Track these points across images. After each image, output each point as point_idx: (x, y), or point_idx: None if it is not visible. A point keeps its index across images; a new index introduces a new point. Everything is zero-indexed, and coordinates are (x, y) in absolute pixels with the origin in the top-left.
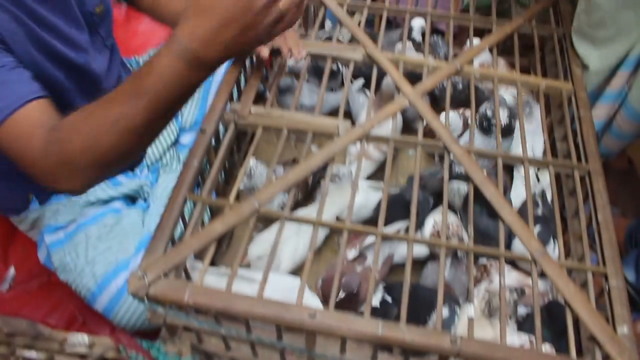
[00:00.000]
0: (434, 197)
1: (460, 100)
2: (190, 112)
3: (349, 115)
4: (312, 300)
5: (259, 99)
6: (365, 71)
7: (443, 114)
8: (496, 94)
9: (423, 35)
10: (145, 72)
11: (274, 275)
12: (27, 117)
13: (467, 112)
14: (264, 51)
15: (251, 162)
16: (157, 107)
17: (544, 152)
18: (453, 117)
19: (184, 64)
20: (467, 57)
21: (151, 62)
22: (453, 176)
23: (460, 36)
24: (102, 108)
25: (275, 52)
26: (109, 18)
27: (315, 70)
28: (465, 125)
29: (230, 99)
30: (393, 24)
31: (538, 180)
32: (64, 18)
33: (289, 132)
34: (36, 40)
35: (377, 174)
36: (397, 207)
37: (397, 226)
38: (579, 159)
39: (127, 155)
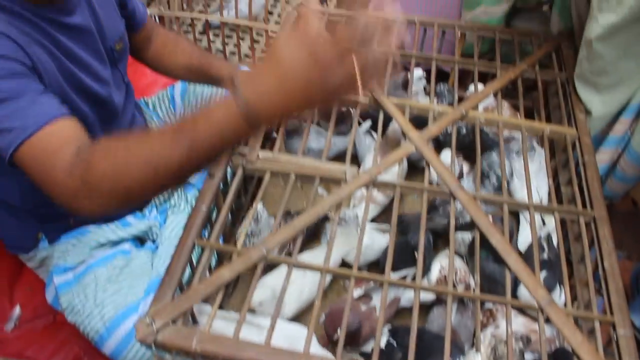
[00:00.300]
0: (434, 236)
1: (463, 144)
2: None
3: (355, 156)
4: (319, 349)
5: (267, 138)
6: (372, 113)
7: (444, 153)
8: (501, 139)
9: (427, 76)
10: (200, 117)
11: (280, 320)
12: (55, 134)
13: (462, 162)
14: None
15: (258, 207)
16: (198, 153)
17: (549, 197)
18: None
19: (242, 119)
20: (472, 102)
21: (209, 109)
22: (458, 227)
23: (464, 78)
24: (140, 141)
25: None
26: (127, 55)
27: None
28: (459, 175)
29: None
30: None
31: (544, 223)
32: (90, 52)
33: (296, 177)
34: (66, 74)
35: (382, 215)
36: (402, 251)
37: (404, 272)
38: (583, 204)
39: (151, 192)
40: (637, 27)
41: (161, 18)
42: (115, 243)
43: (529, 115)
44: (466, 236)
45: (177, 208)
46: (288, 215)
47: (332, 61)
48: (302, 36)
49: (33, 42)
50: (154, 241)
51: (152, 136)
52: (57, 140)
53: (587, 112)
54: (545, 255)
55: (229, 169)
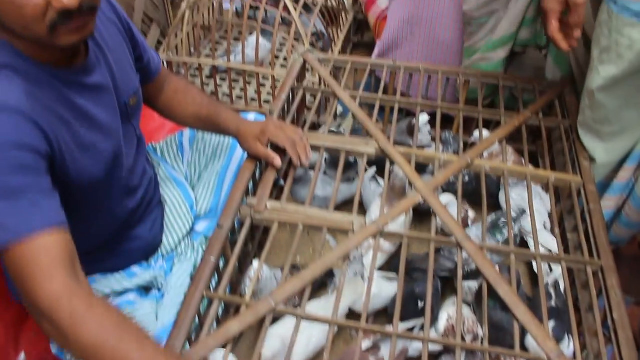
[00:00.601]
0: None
1: (466, 190)
2: (205, 199)
3: (361, 201)
4: None
5: (274, 186)
6: (378, 159)
7: (443, 197)
8: (507, 188)
9: (432, 119)
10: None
11: None
12: (47, 248)
13: (468, 208)
14: (277, 160)
15: (264, 269)
16: None
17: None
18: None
19: None
20: (477, 151)
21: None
22: (465, 275)
23: (468, 122)
24: (128, 341)
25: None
26: (140, 109)
27: (330, 159)
28: (464, 221)
29: (246, 190)
30: (404, 111)
31: (551, 269)
32: (105, 110)
33: (304, 227)
34: (79, 141)
35: (389, 261)
36: (410, 301)
37: (412, 322)
38: (590, 252)
39: None
40: (638, 79)
41: (169, 63)
42: (119, 293)
43: (533, 159)
44: (472, 284)
45: (184, 256)
46: (295, 268)
47: None
48: None
49: (49, 114)
50: (159, 290)
51: (141, 336)
52: (46, 258)
53: (591, 160)
54: (553, 303)
55: (237, 219)
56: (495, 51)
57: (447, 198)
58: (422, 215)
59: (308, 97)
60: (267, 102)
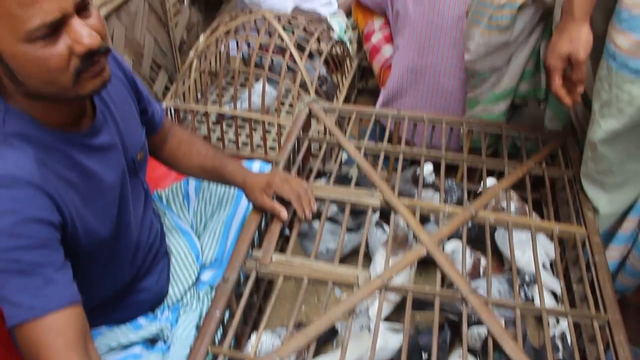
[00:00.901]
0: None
1: (470, 237)
2: (211, 249)
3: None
4: None
5: (279, 235)
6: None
7: (450, 244)
8: (511, 239)
9: (436, 168)
10: None
11: None
12: (59, 329)
13: (480, 256)
14: (283, 213)
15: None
16: None
17: (562, 297)
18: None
19: None
20: (481, 202)
21: None
22: (471, 323)
23: (472, 171)
24: None
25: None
26: (147, 162)
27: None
28: (476, 268)
29: (252, 242)
30: (408, 160)
31: (557, 321)
32: (113, 168)
33: (309, 280)
34: (87, 201)
35: (394, 312)
36: (416, 355)
37: None
38: (596, 305)
39: None
40: (639, 132)
41: (176, 110)
42: (125, 346)
43: (537, 205)
44: (482, 330)
45: (190, 307)
46: (300, 325)
47: None
48: None
49: (58, 180)
50: (165, 341)
51: None
52: (61, 339)
53: (595, 210)
54: (560, 355)
55: (242, 272)
56: (497, 103)
57: (453, 245)
58: (427, 262)
59: (314, 144)
60: (272, 148)
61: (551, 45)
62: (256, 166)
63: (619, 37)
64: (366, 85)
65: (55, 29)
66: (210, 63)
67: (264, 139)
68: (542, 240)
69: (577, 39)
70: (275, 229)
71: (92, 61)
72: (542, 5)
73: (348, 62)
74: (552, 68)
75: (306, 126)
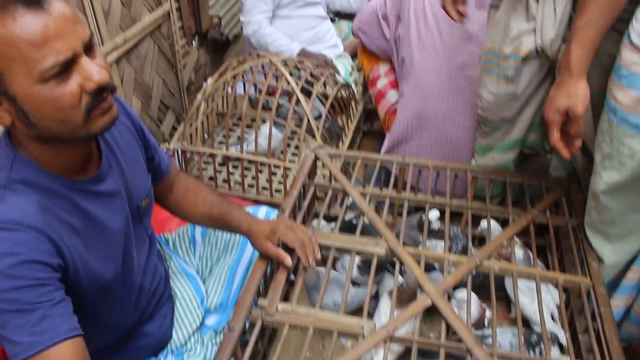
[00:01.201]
0: None
1: (476, 284)
2: (216, 294)
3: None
4: None
5: (286, 282)
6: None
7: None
8: (515, 289)
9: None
10: None
11: None
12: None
13: (486, 307)
14: (287, 260)
15: None
16: None
17: (567, 348)
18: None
19: None
20: (486, 252)
21: None
22: None
23: (477, 217)
24: None
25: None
26: (152, 209)
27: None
28: (482, 318)
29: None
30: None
31: None
32: (116, 216)
33: (314, 330)
34: (91, 246)
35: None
36: None
37: None
38: (602, 356)
39: None
40: None
41: (183, 152)
42: None
43: (542, 252)
44: None
45: (193, 352)
46: None
47: None
48: None
49: (62, 225)
50: None
51: None
52: None
53: (600, 260)
54: None
55: (248, 321)
56: (507, 152)
57: (463, 293)
58: (432, 309)
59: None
60: (278, 191)
61: (549, 99)
62: (262, 212)
63: (619, 93)
64: (371, 127)
65: (67, 67)
66: (217, 105)
67: (270, 181)
68: (550, 286)
69: (574, 94)
70: (280, 278)
71: (101, 98)
72: (547, 59)
73: (353, 104)
74: (550, 122)
75: (312, 172)
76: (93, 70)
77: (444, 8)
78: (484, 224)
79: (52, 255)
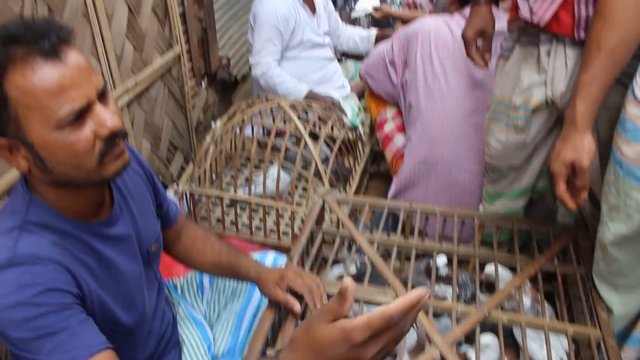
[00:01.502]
0: None
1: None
2: (223, 340)
3: None
4: None
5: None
6: None
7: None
8: (524, 339)
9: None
10: None
11: None
12: None
13: None
14: (296, 306)
15: None
16: None
17: None
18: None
19: None
20: (494, 302)
21: None
22: None
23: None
24: None
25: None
26: (160, 254)
27: None
28: None
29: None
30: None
31: None
32: (128, 259)
33: None
34: (103, 285)
35: None
36: None
37: None
38: None
39: None
40: None
41: (191, 195)
42: None
43: (550, 298)
44: None
45: None
46: None
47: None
48: (344, 334)
49: (76, 262)
50: None
51: None
52: None
53: (609, 310)
54: None
55: None
56: (517, 199)
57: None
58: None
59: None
60: (285, 233)
61: (555, 152)
62: (270, 258)
63: (625, 146)
64: (378, 169)
65: (81, 115)
66: (225, 146)
67: (277, 224)
68: (557, 339)
69: (580, 148)
70: (289, 328)
71: (113, 143)
72: (556, 109)
73: (360, 146)
74: (556, 174)
75: (320, 218)
76: (106, 117)
77: (468, 55)
78: (489, 268)
79: (71, 285)
